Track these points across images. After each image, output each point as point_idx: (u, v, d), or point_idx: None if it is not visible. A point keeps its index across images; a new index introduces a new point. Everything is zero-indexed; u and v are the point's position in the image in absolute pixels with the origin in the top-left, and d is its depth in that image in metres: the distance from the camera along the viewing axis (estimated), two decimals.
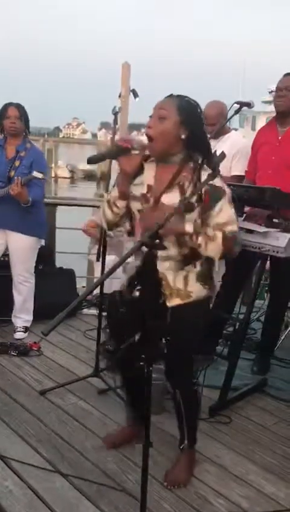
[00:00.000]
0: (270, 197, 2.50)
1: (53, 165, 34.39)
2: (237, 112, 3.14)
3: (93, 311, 3.93)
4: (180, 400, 2.12)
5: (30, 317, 3.54)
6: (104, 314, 3.24)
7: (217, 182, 1.89)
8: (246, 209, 2.77)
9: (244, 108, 3.17)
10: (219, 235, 1.87)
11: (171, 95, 1.91)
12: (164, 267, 1.95)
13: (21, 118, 3.26)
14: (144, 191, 1.96)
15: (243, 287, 3.33)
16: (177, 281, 1.98)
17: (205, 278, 2.03)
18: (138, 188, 1.97)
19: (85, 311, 4.09)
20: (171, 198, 1.89)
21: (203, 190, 1.86)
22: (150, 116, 1.88)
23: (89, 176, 35.29)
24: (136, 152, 1.87)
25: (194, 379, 2.16)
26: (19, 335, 3.51)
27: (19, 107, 3.26)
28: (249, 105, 3.07)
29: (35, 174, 3.12)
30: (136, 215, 2.01)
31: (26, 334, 3.52)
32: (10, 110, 3.22)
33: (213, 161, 1.83)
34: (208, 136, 3.38)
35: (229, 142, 3.35)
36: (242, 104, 3.04)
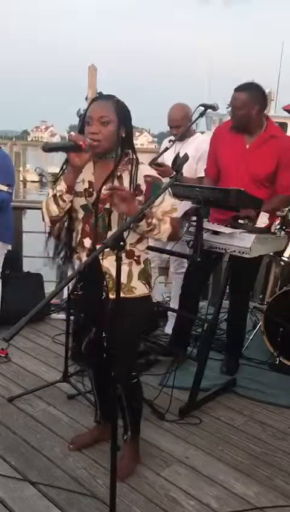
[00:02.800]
0: (235, 198, 2.53)
1: (21, 168, 34.02)
2: (202, 114, 3.17)
3: (62, 315, 3.90)
4: (121, 392, 2.16)
5: None
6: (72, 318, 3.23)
7: (151, 171, 2.03)
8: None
9: (211, 111, 3.20)
10: (168, 219, 1.98)
11: (102, 96, 2.01)
12: (108, 263, 2.00)
13: None
14: (86, 186, 2.04)
15: (204, 287, 3.35)
16: (121, 275, 2.01)
17: (146, 276, 2.11)
18: (79, 186, 2.03)
19: (54, 315, 4.04)
20: (96, 185, 2.01)
21: (143, 180, 1.97)
22: (88, 123, 1.94)
23: (57, 179, 35.04)
24: (87, 153, 1.91)
25: (135, 371, 2.21)
26: None
27: None
28: (213, 107, 3.10)
29: None
30: (79, 211, 2.07)
31: None
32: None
33: (176, 162, 1.84)
34: (172, 138, 3.42)
35: (195, 144, 3.37)
36: (207, 107, 3.07)
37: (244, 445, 2.52)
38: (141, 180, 1.97)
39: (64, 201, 1.98)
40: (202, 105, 3.07)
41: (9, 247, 3.59)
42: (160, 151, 3.51)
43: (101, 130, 1.92)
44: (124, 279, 2.02)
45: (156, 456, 2.39)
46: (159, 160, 3.34)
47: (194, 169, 3.34)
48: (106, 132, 1.93)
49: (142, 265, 2.10)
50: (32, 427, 2.54)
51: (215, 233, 2.60)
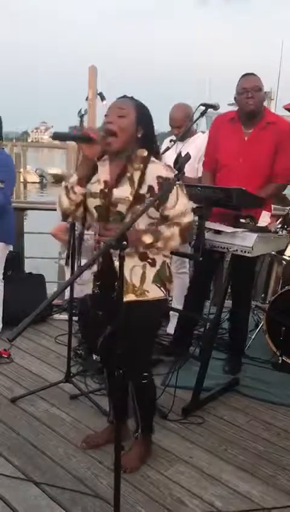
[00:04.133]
0: (237, 198, 2.53)
1: (22, 169, 34.01)
2: (203, 113, 3.16)
3: (64, 316, 3.90)
4: (133, 391, 2.18)
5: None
6: (75, 319, 3.23)
7: (165, 171, 1.97)
8: None
9: (211, 110, 3.19)
10: (176, 231, 1.96)
11: (124, 96, 2.01)
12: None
13: None
14: (102, 187, 2.01)
15: (209, 287, 3.36)
16: (133, 277, 2.01)
17: (162, 279, 2.07)
18: (95, 186, 2.02)
19: (56, 316, 4.04)
20: (122, 191, 1.96)
21: (154, 181, 1.94)
22: (106, 115, 1.97)
23: (58, 180, 35.06)
24: (98, 145, 1.91)
25: (147, 372, 2.20)
26: None
27: None
28: (214, 107, 3.09)
29: None
30: (93, 212, 2.06)
31: None
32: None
33: (178, 162, 1.84)
34: (173, 137, 3.42)
35: (196, 144, 3.37)
36: (208, 106, 3.06)
37: (248, 444, 2.52)
38: (153, 181, 1.95)
39: (74, 193, 1.98)
40: (202, 104, 3.07)
41: (11, 248, 3.59)
42: (161, 151, 3.51)
43: (116, 121, 1.93)
44: (136, 281, 2.01)
45: (160, 455, 2.38)
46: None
47: (196, 168, 3.34)
48: (121, 124, 1.93)
49: (157, 268, 2.06)
50: (36, 428, 2.54)
51: (218, 232, 2.60)
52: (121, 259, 1.67)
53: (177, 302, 3.76)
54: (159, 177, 1.94)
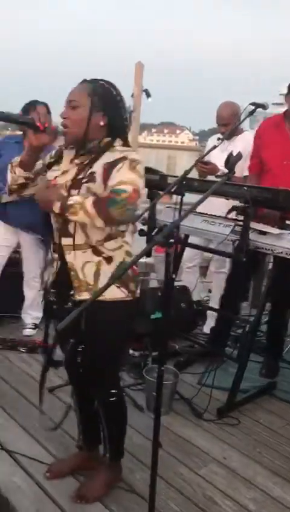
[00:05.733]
0: (284, 199, 2.49)
1: None
2: (251, 113, 3.12)
3: None
4: (98, 408, 2.00)
5: (40, 314, 3.54)
6: None
7: (119, 155, 1.74)
8: None
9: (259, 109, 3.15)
10: (90, 199, 1.67)
11: (84, 81, 1.82)
12: (72, 257, 1.80)
13: (49, 116, 3.24)
14: (62, 180, 1.82)
15: (248, 289, 3.32)
16: (86, 274, 1.79)
17: (121, 280, 1.80)
18: (54, 173, 1.86)
19: None
20: (66, 177, 1.81)
21: (102, 167, 1.73)
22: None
23: None
24: (46, 135, 1.76)
25: (115, 389, 1.99)
26: (28, 332, 3.52)
27: (47, 106, 3.25)
28: (263, 106, 3.04)
29: None
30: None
31: (35, 331, 3.53)
32: (39, 108, 3.19)
33: (229, 161, 1.81)
34: (219, 136, 3.39)
35: (242, 142, 3.34)
36: (257, 106, 3.01)
37: (284, 449, 2.49)
38: (97, 168, 1.74)
39: (15, 173, 1.86)
40: (252, 103, 3.02)
41: None
42: (206, 149, 3.49)
43: (69, 115, 1.77)
44: (90, 279, 1.79)
45: (194, 454, 2.39)
46: (206, 158, 3.32)
47: (241, 168, 3.30)
48: (73, 117, 1.76)
49: (114, 267, 1.81)
50: (72, 418, 2.57)
51: (262, 233, 2.57)
52: (62, 248, 1.68)
53: (214, 302, 3.75)
54: (105, 163, 1.73)
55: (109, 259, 1.80)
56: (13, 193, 1.96)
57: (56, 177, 1.84)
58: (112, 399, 1.98)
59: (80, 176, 1.77)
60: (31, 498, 2.01)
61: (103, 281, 1.77)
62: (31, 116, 1.77)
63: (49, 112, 3.24)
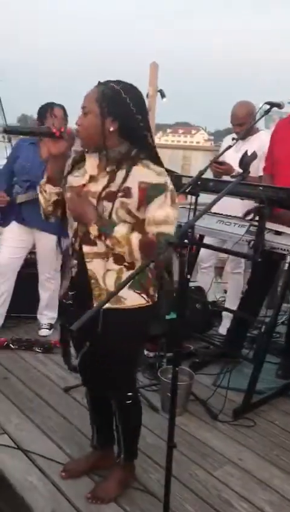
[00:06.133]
0: None
1: None
2: (267, 112, 3.10)
3: None
4: (115, 410, 2.01)
5: (55, 315, 3.56)
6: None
7: (155, 178, 1.71)
8: None
9: (275, 109, 3.13)
10: (135, 239, 1.68)
11: (98, 83, 1.75)
12: (93, 266, 1.79)
13: (66, 118, 3.26)
14: (85, 181, 1.80)
15: (269, 289, 3.29)
16: (107, 282, 1.78)
17: (141, 286, 1.81)
18: (79, 180, 1.81)
19: None
20: (97, 186, 1.76)
21: (138, 185, 1.70)
22: None
23: None
24: (65, 141, 1.77)
25: (131, 391, 1.99)
26: (43, 332, 3.55)
27: (64, 108, 3.27)
28: (279, 106, 3.03)
29: None
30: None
31: (51, 331, 3.55)
32: (56, 110, 3.21)
33: (243, 161, 1.80)
34: (234, 136, 3.37)
35: (257, 142, 3.31)
36: (273, 105, 2.99)
37: None
38: (133, 184, 1.70)
39: (45, 191, 1.86)
40: (267, 103, 2.99)
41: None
42: (221, 149, 3.47)
43: (82, 122, 1.74)
44: (111, 287, 1.77)
45: (209, 455, 2.37)
46: (221, 158, 3.30)
47: (257, 167, 3.28)
48: (85, 123, 1.73)
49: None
50: (86, 418, 2.58)
51: (278, 233, 2.55)
52: (82, 256, 1.68)
53: (230, 303, 3.73)
54: (142, 182, 1.69)
55: (129, 267, 1.78)
56: (50, 216, 1.93)
57: (84, 184, 1.78)
58: (128, 402, 1.98)
59: (113, 189, 1.72)
60: (46, 497, 2.03)
61: (124, 288, 1.69)
62: (46, 126, 1.75)
63: (66, 115, 3.26)
